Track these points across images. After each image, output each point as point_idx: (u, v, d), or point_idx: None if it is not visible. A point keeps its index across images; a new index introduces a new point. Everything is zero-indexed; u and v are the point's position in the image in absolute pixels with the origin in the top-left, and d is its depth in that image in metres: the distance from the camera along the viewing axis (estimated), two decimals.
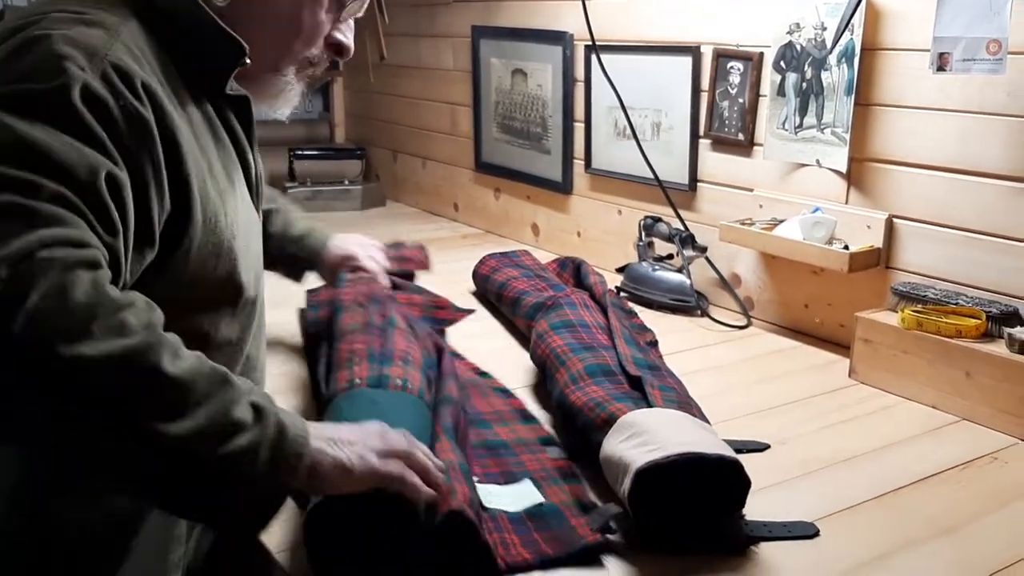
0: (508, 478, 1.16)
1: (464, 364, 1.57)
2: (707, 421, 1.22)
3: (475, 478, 1.11)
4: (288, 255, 1.58)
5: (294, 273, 1.65)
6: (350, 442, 0.91)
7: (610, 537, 1.03)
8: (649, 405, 1.20)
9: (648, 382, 1.27)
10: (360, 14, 1.09)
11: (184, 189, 0.92)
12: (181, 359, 0.81)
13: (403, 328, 1.41)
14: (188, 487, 0.81)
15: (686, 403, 1.25)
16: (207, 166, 0.96)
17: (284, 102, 1.08)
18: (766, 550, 1.05)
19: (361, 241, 1.71)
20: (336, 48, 1.07)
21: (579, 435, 1.24)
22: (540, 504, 1.10)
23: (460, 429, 1.20)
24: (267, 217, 1.51)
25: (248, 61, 0.98)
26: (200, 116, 0.97)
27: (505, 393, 1.46)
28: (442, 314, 1.77)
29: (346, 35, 1.08)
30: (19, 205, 0.78)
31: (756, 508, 1.09)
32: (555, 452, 1.25)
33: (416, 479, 0.93)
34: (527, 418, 1.36)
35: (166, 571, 1.01)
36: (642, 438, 1.09)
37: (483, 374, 1.54)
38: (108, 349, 0.76)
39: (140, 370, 0.78)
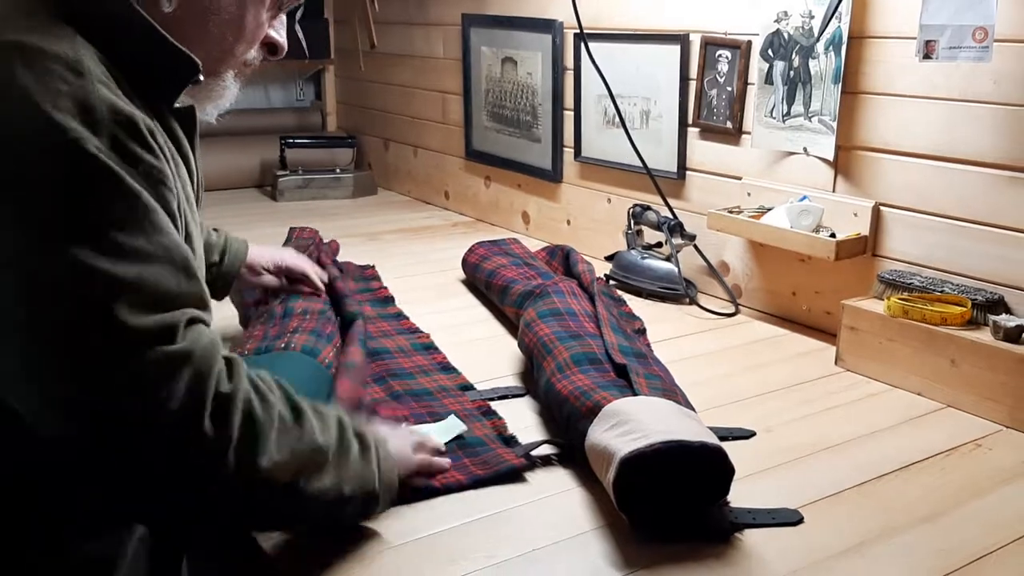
0: (435, 417, 1.31)
1: (401, 324, 1.74)
2: (692, 408, 1.22)
3: (403, 421, 1.29)
4: (211, 263, 1.51)
5: (219, 285, 1.55)
6: (392, 436, 1.10)
7: (530, 459, 1.20)
8: (635, 393, 1.21)
9: (633, 370, 1.28)
10: (296, 4, 1.06)
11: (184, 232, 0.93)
12: (325, 429, 0.96)
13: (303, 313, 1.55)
14: (329, 516, 1.00)
15: (671, 391, 1.25)
16: (181, 187, 0.94)
17: (218, 105, 1.04)
18: (750, 537, 1.05)
19: (282, 249, 1.69)
20: (271, 47, 1.04)
21: (565, 424, 1.25)
22: (461, 436, 1.25)
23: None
24: None
25: (202, 78, 0.94)
26: (168, 150, 0.93)
27: (428, 349, 1.61)
28: (370, 273, 2.04)
29: (280, 33, 1.04)
30: (175, 354, 0.81)
31: (741, 495, 1.10)
32: (474, 395, 1.42)
33: (438, 461, 1.17)
34: (447, 369, 1.52)
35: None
36: (627, 427, 1.09)
37: (415, 331, 1.70)
38: (285, 456, 0.90)
39: (310, 457, 0.93)
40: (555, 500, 1.14)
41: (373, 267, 2.08)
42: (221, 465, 0.84)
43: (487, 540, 1.04)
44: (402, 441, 1.13)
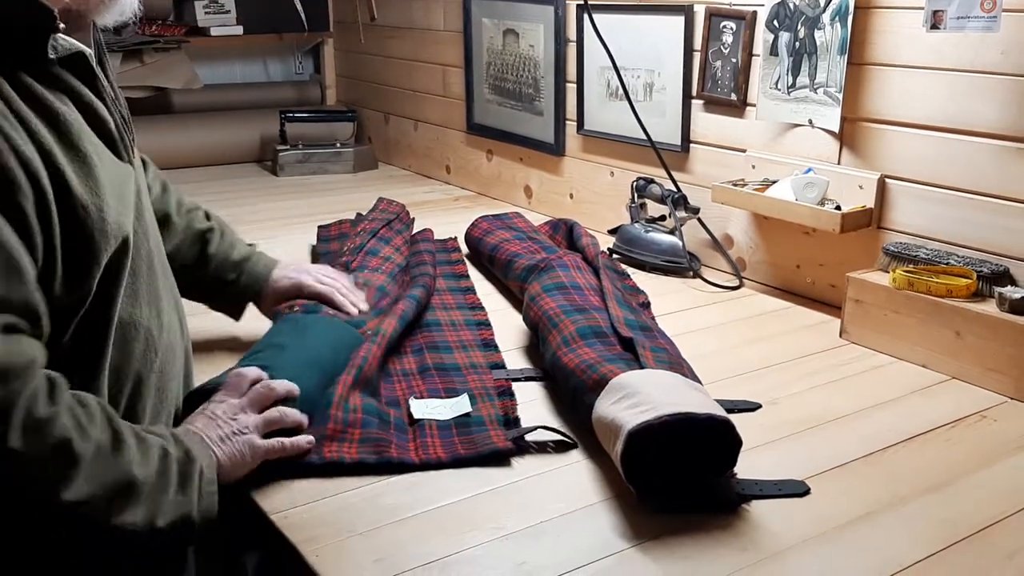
0: (450, 393, 1.32)
1: (466, 298, 1.74)
2: (699, 381, 1.23)
3: (415, 395, 1.31)
4: (227, 282, 1.44)
5: (233, 306, 1.48)
6: (230, 434, 1.06)
7: (519, 443, 1.18)
8: (641, 366, 1.21)
9: (640, 343, 1.28)
10: None
11: (42, 200, 0.88)
12: (145, 462, 0.94)
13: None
14: (141, 547, 0.94)
15: (677, 364, 1.25)
16: (53, 161, 0.89)
17: (122, 13, 0.99)
18: (757, 508, 1.06)
19: (308, 268, 1.54)
20: None
21: (571, 397, 1.25)
22: (468, 414, 1.25)
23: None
24: (204, 237, 1.41)
25: (62, 25, 0.90)
26: (18, 97, 0.88)
27: (479, 325, 1.60)
28: (451, 245, 2.07)
29: None
30: None
31: (747, 467, 1.11)
32: (500, 374, 1.40)
33: (292, 442, 1.11)
34: (488, 346, 1.51)
35: None
36: (634, 399, 1.10)
37: (475, 307, 1.70)
38: (91, 489, 0.88)
39: (118, 488, 0.91)
40: (563, 472, 1.14)
41: (455, 239, 2.10)
42: (22, 489, 0.85)
43: (496, 512, 1.05)
44: (229, 417, 1.09)
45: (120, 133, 1.01)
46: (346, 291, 1.51)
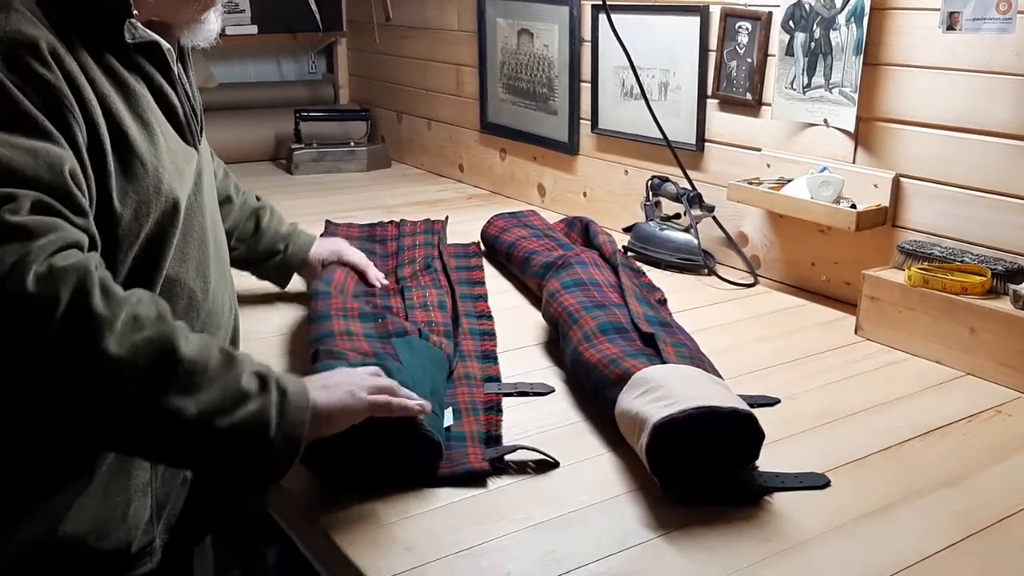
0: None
1: (476, 306, 1.72)
2: (720, 376, 1.25)
3: None
4: (277, 252, 1.64)
5: (280, 274, 1.69)
6: (339, 383, 1.04)
7: (495, 464, 1.14)
8: (663, 361, 1.23)
9: (661, 339, 1.30)
10: None
11: (99, 146, 0.97)
12: (191, 343, 0.91)
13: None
14: (210, 453, 0.93)
15: (699, 359, 1.28)
16: (107, 116, 0.99)
17: (204, 35, 1.14)
18: (779, 500, 1.08)
19: (342, 242, 1.77)
20: None
21: (593, 391, 1.28)
22: (448, 428, 1.21)
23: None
24: (258, 214, 1.61)
25: (135, 13, 1.03)
26: (98, 68, 1.00)
27: (484, 335, 1.57)
28: (472, 250, 2.04)
29: None
30: (11, 224, 0.85)
31: (768, 460, 1.13)
32: (492, 387, 1.36)
33: (402, 402, 1.07)
34: (488, 358, 1.48)
35: (130, 497, 1.04)
36: (657, 393, 1.12)
37: (484, 315, 1.67)
38: (132, 342, 0.87)
39: (160, 357, 0.88)
40: (587, 465, 1.17)
41: (477, 244, 2.07)
42: (40, 332, 0.83)
43: (523, 503, 1.07)
44: (346, 378, 1.06)
45: (188, 120, 1.14)
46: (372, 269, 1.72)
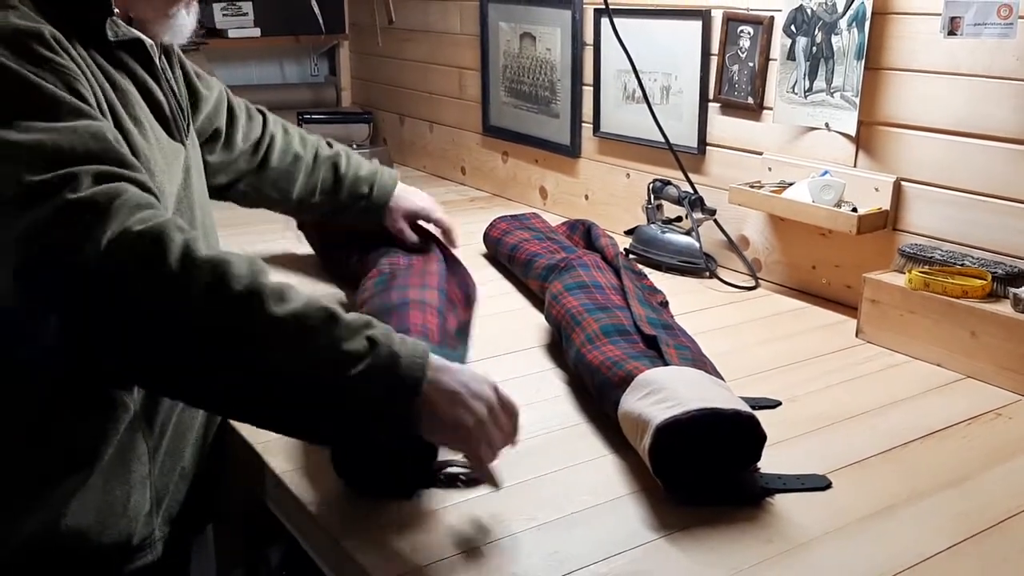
0: None
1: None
2: (722, 378, 1.26)
3: None
4: (361, 196, 1.64)
5: (371, 216, 1.68)
6: (468, 408, 0.94)
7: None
8: (665, 363, 1.24)
9: (663, 341, 1.31)
10: None
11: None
12: (287, 301, 0.88)
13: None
14: (313, 416, 0.90)
15: (701, 361, 1.28)
16: (108, 108, 1.02)
17: (179, 35, 1.16)
18: (780, 502, 1.09)
19: (428, 198, 1.76)
20: None
21: (597, 393, 1.28)
22: None
23: None
24: (335, 161, 1.64)
25: (116, 11, 1.05)
26: (88, 63, 1.03)
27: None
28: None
29: None
30: (78, 201, 0.86)
31: (770, 462, 1.13)
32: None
33: (484, 455, 0.97)
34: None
35: (129, 490, 1.05)
36: (660, 395, 1.13)
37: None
38: (213, 306, 0.86)
39: (251, 312, 0.86)
40: (590, 466, 1.17)
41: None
42: (149, 290, 0.85)
43: (527, 504, 1.08)
44: (479, 388, 0.97)
45: (174, 115, 1.15)
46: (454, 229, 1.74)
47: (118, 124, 1.02)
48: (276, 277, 0.93)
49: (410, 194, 1.72)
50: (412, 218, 1.71)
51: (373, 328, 0.91)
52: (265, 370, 0.87)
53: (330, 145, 1.66)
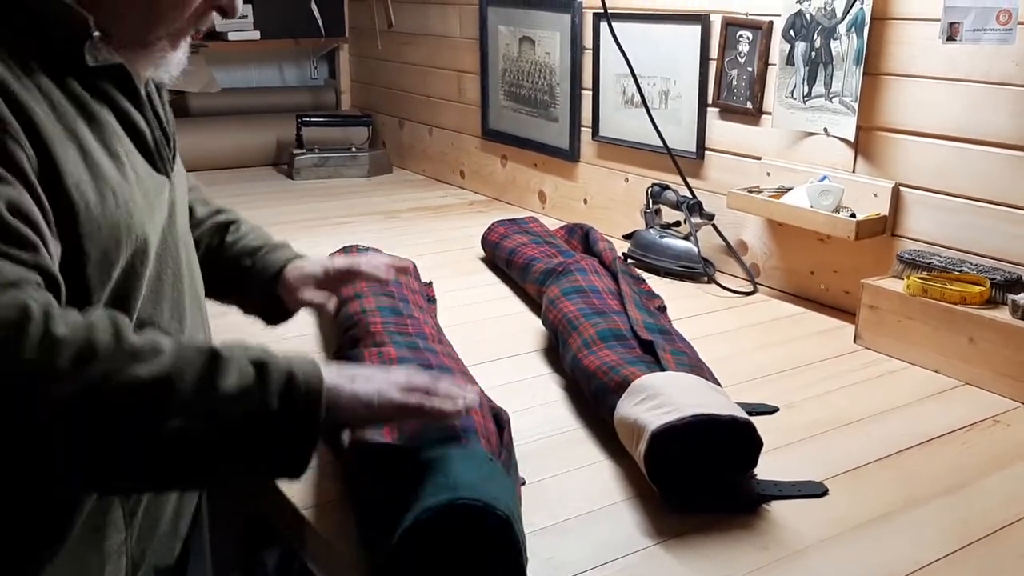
0: None
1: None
2: (718, 384, 1.25)
3: None
4: (243, 269, 1.29)
5: (256, 300, 1.31)
6: (369, 378, 0.94)
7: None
8: (662, 369, 1.23)
9: (660, 346, 1.30)
10: None
11: (56, 177, 0.88)
12: (157, 359, 0.82)
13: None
14: (217, 462, 0.85)
15: (698, 367, 1.28)
16: (77, 146, 0.92)
17: (164, 71, 1.03)
18: (777, 508, 1.08)
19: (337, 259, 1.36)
20: (220, 9, 1.03)
21: (593, 398, 1.28)
22: None
23: None
24: (227, 227, 1.32)
25: (96, 34, 0.94)
26: (61, 94, 0.93)
27: None
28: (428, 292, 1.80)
29: None
30: None
31: (766, 469, 1.13)
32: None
33: (438, 404, 0.94)
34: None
35: (103, 560, 0.99)
36: (656, 401, 1.12)
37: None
38: (86, 379, 0.79)
39: (119, 388, 0.80)
40: (586, 472, 1.17)
41: (430, 285, 1.82)
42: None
43: (523, 509, 1.07)
44: (382, 374, 0.96)
45: (158, 146, 1.04)
46: (371, 260, 1.34)
47: (88, 156, 0.92)
48: None
49: (309, 260, 1.33)
50: (309, 284, 1.31)
51: (258, 352, 0.87)
52: (155, 433, 0.81)
53: (220, 211, 1.36)
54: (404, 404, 0.93)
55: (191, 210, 1.29)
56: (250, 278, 1.29)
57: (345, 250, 1.81)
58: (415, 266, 1.78)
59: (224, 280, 1.29)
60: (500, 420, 1.13)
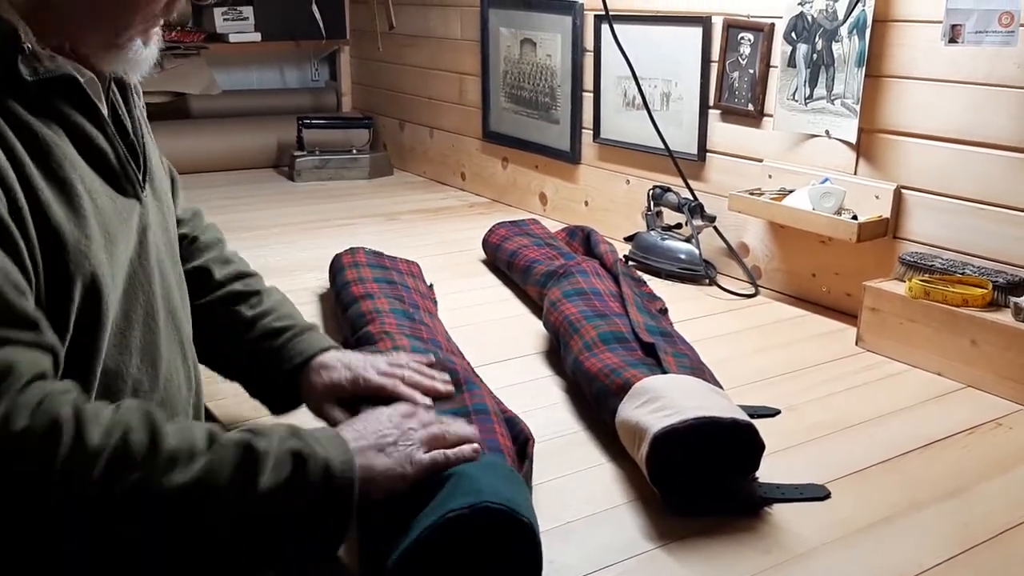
0: None
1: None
2: (720, 386, 1.25)
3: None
4: (262, 353, 1.15)
5: (270, 388, 1.17)
6: (394, 443, 0.93)
7: None
8: (663, 371, 1.23)
9: (662, 348, 1.30)
10: None
11: (19, 215, 0.80)
12: (192, 463, 0.80)
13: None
14: (250, 553, 0.83)
15: (699, 369, 1.27)
16: (29, 183, 0.82)
17: (136, 69, 0.95)
18: (779, 511, 1.08)
19: (367, 359, 1.16)
20: None
21: (595, 401, 1.27)
22: None
23: None
24: (246, 298, 1.18)
25: (28, 46, 0.84)
26: (2, 121, 0.82)
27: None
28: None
29: None
30: None
31: (768, 471, 1.13)
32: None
33: (457, 452, 0.95)
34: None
35: None
36: (658, 403, 1.12)
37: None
38: (122, 489, 0.77)
39: (156, 497, 0.78)
40: (587, 475, 1.17)
41: (431, 287, 1.77)
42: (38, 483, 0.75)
43: None
44: (397, 431, 0.95)
45: (123, 165, 0.94)
46: (414, 375, 1.14)
47: (30, 191, 0.82)
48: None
49: (339, 361, 1.14)
50: (337, 394, 1.13)
51: (293, 440, 0.86)
52: (198, 535, 0.80)
53: (259, 287, 1.21)
54: (434, 463, 0.93)
55: (208, 272, 1.17)
56: (267, 364, 1.14)
57: (359, 264, 1.68)
58: (419, 267, 1.79)
59: (235, 359, 1.17)
60: (522, 435, 1.11)
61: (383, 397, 1.08)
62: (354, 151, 3.04)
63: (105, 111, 0.94)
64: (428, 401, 1.09)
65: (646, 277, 1.90)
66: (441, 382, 1.14)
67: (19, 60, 0.83)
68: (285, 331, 1.15)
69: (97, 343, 0.89)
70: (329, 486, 0.85)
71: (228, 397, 1.28)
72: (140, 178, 0.97)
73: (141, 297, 0.95)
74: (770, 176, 1.86)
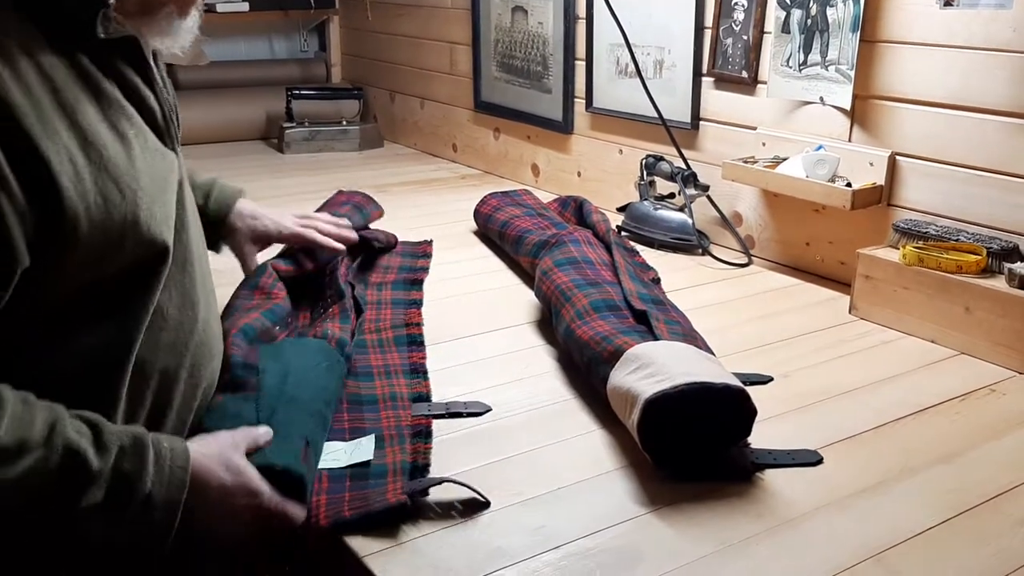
0: (354, 434, 1.13)
1: (407, 313, 1.53)
2: (712, 354, 1.24)
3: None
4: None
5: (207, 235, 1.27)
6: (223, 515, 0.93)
7: (417, 500, 1.00)
8: (655, 338, 1.22)
9: (654, 316, 1.29)
10: None
11: (46, 176, 0.84)
12: (19, 461, 0.81)
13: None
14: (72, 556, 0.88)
15: (691, 336, 1.27)
16: (77, 135, 0.87)
17: (171, 40, 0.99)
18: (771, 477, 1.07)
19: (281, 212, 1.46)
20: None
21: (586, 368, 1.27)
22: (368, 462, 1.07)
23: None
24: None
25: (111, 2, 0.89)
26: (68, 72, 0.88)
27: (411, 344, 1.41)
28: (422, 249, 1.88)
29: None
30: None
31: (761, 438, 1.12)
32: (420, 409, 1.20)
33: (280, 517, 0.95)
34: (416, 372, 1.31)
35: None
36: (649, 369, 1.11)
37: (412, 323, 1.49)
38: None
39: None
40: (578, 441, 1.16)
41: (430, 243, 1.91)
42: None
43: (514, 479, 1.06)
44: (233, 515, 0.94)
45: (167, 122, 1.01)
46: (327, 227, 1.49)
47: (91, 146, 0.88)
48: None
49: (260, 213, 1.42)
50: (260, 241, 1.43)
51: (128, 460, 0.87)
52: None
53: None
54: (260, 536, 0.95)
55: None
56: (205, 216, 1.27)
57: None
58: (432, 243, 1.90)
59: None
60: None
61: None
62: (344, 122, 3.01)
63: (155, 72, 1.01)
64: (342, 247, 1.46)
65: (639, 247, 1.89)
66: (347, 229, 1.48)
67: (98, 18, 0.90)
68: (210, 185, 1.38)
69: (151, 286, 0.95)
70: (147, 519, 0.87)
71: None
72: (178, 134, 1.06)
73: (182, 240, 1.01)
74: (764, 144, 1.84)
